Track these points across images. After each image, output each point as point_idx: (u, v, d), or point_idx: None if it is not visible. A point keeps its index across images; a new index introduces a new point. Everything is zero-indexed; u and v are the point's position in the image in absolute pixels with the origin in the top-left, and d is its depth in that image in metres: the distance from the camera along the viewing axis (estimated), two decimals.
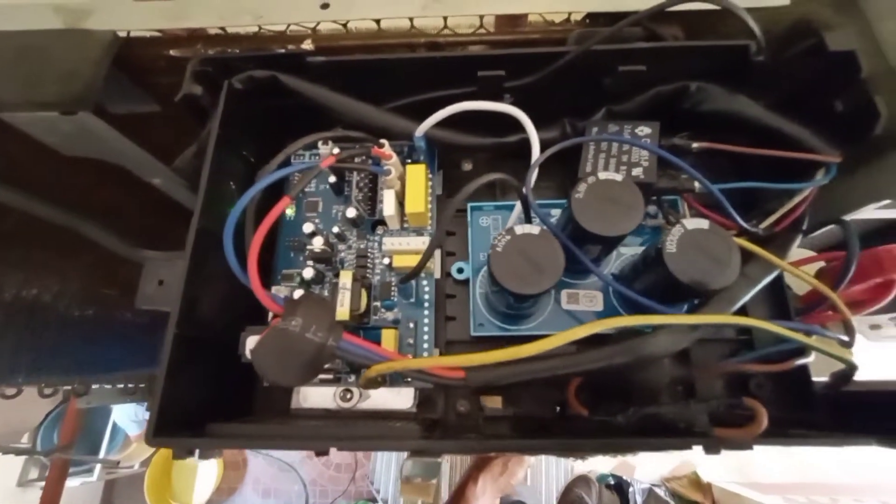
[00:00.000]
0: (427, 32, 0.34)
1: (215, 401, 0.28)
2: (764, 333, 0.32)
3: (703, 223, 0.26)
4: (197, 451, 0.24)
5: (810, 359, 0.30)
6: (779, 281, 0.32)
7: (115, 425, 1.62)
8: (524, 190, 0.29)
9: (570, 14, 0.32)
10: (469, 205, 0.36)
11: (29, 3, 0.31)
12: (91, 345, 0.74)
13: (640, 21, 0.31)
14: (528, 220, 0.30)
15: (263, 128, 0.33)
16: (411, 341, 0.32)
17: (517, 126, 0.32)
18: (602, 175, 0.27)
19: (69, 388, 0.75)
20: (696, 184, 0.31)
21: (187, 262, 0.26)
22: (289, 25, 0.33)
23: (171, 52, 0.33)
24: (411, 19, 0.33)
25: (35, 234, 0.54)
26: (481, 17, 0.33)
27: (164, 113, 0.39)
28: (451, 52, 0.32)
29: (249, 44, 0.33)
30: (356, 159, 0.31)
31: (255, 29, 0.33)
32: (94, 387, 0.81)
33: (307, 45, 0.32)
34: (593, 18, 0.32)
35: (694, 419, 0.23)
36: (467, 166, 0.39)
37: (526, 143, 0.32)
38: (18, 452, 1.26)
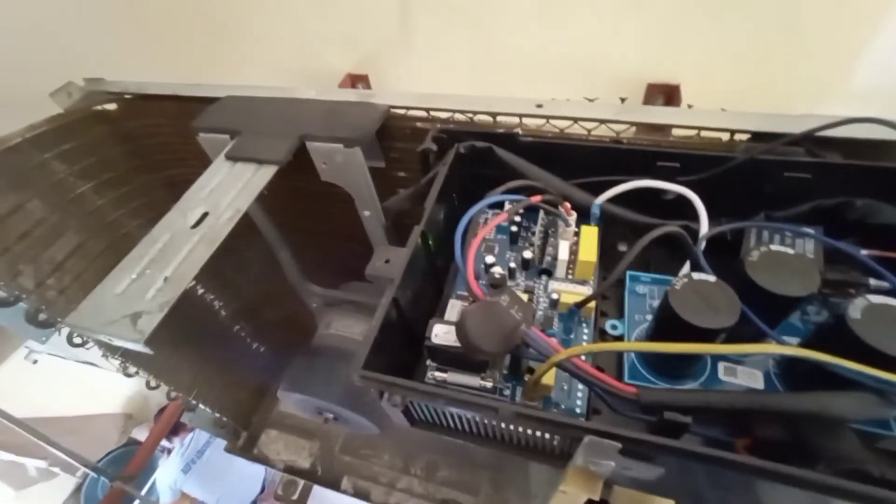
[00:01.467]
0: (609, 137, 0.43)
1: (399, 369, 0.32)
2: None
3: (892, 300, 0.27)
4: (385, 394, 0.28)
5: None
6: None
7: (153, 485, 1.67)
8: (697, 250, 0.33)
9: (732, 134, 0.39)
10: (628, 273, 0.40)
11: (348, 92, 0.47)
12: (229, 357, 0.83)
13: (801, 142, 0.37)
14: None
15: (470, 181, 0.43)
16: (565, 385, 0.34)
17: (682, 214, 0.38)
18: (774, 247, 0.31)
19: (188, 397, 0.82)
20: (872, 280, 0.33)
21: (411, 250, 0.34)
22: (496, 117, 0.45)
23: (418, 125, 0.46)
24: (589, 131, 0.42)
25: (243, 252, 0.68)
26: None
27: (384, 169, 0.52)
28: (633, 145, 0.40)
29: (473, 126, 0.45)
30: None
31: (471, 118, 0.46)
32: (200, 406, 0.87)
33: (517, 130, 0.43)
34: (756, 138, 0.39)
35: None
36: (622, 247, 0.44)
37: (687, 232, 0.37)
38: (88, 465, 1.31)
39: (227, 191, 0.40)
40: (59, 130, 0.51)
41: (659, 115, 0.40)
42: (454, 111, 0.45)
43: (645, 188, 0.38)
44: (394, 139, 0.49)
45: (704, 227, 0.35)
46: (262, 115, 0.46)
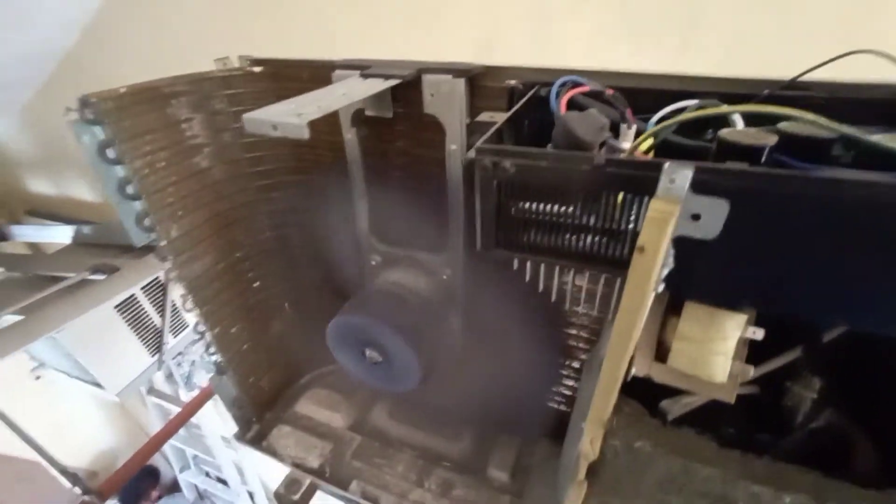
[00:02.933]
0: None
1: None
2: None
3: None
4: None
5: None
6: None
7: None
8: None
9: None
10: None
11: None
12: (269, 331, 0.85)
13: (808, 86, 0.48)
14: None
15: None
16: None
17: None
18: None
19: (223, 357, 0.83)
20: None
21: (512, 112, 0.43)
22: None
23: (506, 83, 0.59)
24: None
25: (325, 220, 0.77)
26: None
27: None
28: (684, 86, 0.51)
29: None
30: None
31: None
32: (224, 376, 0.87)
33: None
34: None
35: None
36: None
37: None
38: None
39: (360, 86, 0.52)
40: (232, 78, 0.68)
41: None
42: (540, 69, 0.59)
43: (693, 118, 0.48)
44: (482, 98, 0.62)
45: (739, 124, 0.44)
46: (388, 62, 0.60)
